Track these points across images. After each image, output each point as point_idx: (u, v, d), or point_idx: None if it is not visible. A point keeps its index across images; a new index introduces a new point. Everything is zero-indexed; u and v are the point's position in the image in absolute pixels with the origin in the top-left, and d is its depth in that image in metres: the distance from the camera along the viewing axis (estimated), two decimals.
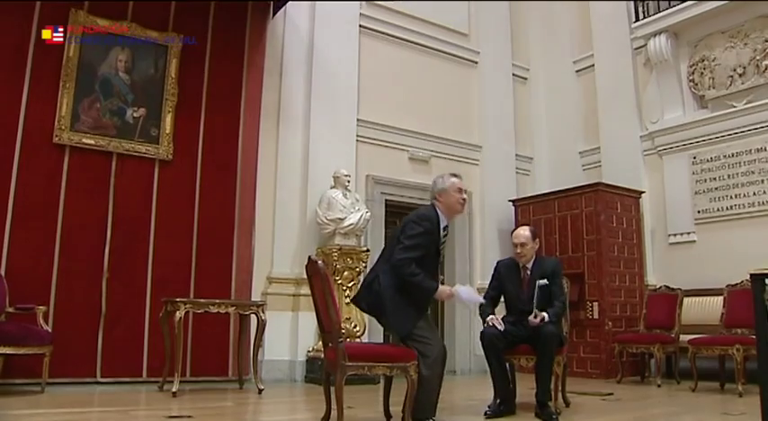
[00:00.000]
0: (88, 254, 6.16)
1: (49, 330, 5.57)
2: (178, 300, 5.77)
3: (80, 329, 5.99)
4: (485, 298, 5.10)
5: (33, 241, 5.90)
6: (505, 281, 5.15)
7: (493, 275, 5.31)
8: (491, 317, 4.88)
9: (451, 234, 9.05)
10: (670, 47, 8.54)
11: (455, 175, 4.26)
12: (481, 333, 4.81)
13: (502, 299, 5.22)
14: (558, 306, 4.87)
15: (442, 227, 4.11)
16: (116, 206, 6.35)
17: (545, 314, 4.71)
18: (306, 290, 6.31)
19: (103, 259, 6.23)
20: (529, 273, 5.04)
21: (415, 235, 3.97)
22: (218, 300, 6.03)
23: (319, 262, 3.99)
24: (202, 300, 5.94)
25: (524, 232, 5.12)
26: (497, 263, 5.38)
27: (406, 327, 3.94)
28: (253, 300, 6.75)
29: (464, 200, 4.18)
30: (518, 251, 5.07)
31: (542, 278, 4.92)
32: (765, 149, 7.66)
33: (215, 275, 6.74)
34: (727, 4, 7.91)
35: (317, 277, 3.99)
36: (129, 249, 6.36)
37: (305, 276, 4.55)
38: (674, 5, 8.43)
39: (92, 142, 6.33)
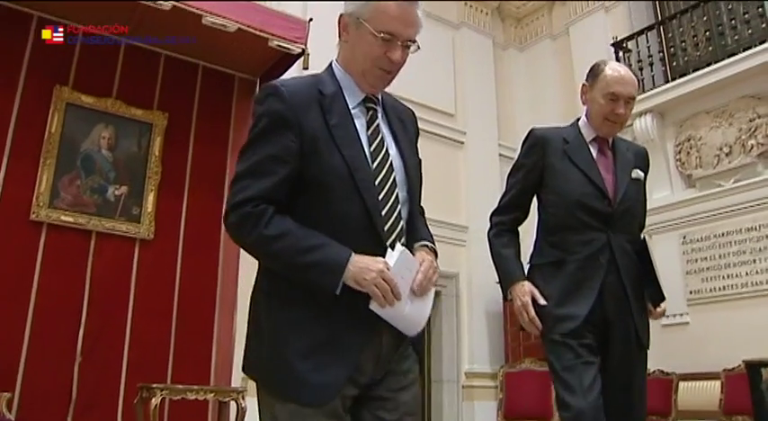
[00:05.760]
0: (61, 336, 5.86)
1: (13, 419, 5.26)
2: (154, 385, 5.48)
3: (48, 417, 5.64)
4: (499, 208, 3.15)
5: (2, 322, 5.62)
6: (559, 165, 2.86)
7: (526, 152, 3.02)
8: (527, 287, 2.72)
9: (437, 317, 8.97)
10: (656, 126, 8.58)
11: None
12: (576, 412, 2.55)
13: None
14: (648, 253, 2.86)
15: (350, 98, 1.91)
16: (93, 286, 6.10)
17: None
18: None
19: (77, 341, 5.92)
20: (611, 155, 2.91)
21: (249, 141, 1.91)
22: (195, 387, 5.74)
23: None
24: (180, 386, 5.65)
25: (633, 77, 2.88)
26: (533, 131, 3.04)
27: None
28: (233, 385, 6.46)
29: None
30: (620, 111, 2.80)
31: (636, 168, 2.90)
32: (756, 228, 7.59)
33: (194, 358, 6.44)
34: (710, 85, 8.00)
35: None
36: (104, 331, 6.07)
37: None
38: (659, 86, 8.53)
39: (70, 219, 6.15)
